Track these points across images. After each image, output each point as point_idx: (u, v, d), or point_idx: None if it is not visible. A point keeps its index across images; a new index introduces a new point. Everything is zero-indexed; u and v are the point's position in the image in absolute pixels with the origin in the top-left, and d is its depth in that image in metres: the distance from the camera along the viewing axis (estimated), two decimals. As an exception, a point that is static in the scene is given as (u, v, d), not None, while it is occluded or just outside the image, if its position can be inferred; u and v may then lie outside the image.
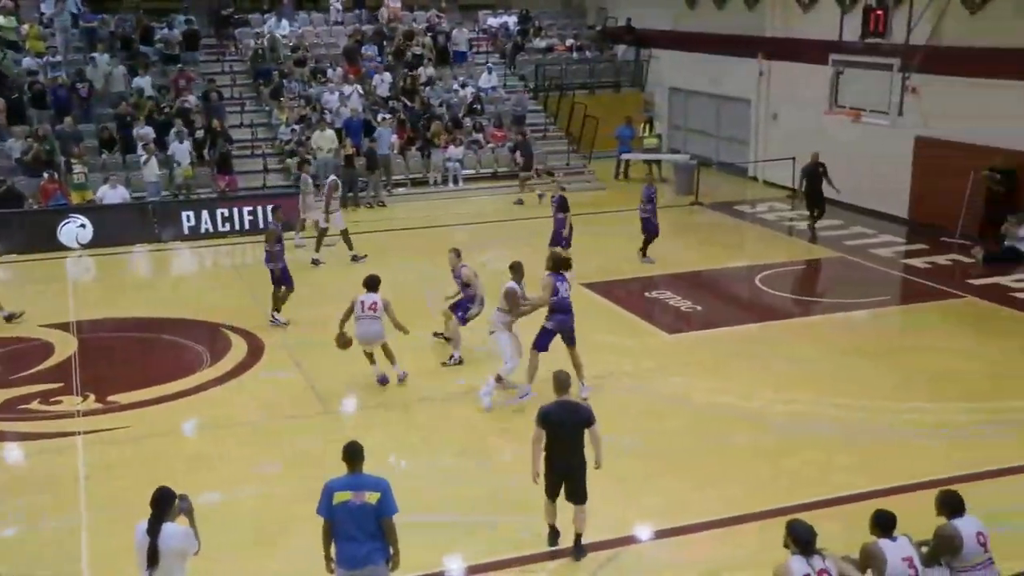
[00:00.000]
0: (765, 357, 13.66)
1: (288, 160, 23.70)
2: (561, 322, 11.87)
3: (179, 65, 25.93)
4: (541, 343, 11.95)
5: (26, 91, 23.44)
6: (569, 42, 31.13)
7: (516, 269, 12.14)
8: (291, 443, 11.14)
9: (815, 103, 22.51)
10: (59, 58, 25.19)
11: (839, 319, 15.50)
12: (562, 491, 8.57)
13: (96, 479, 10.32)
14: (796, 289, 17.46)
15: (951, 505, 7.06)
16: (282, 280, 15.09)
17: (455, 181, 24.78)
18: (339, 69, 26.85)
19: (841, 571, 6.44)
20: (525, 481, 8.58)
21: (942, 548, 6.98)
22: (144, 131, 22.68)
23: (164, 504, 6.56)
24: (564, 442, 8.36)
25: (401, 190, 24.29)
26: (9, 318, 15.27)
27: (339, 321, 12.54)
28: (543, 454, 8.42)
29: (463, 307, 13.37)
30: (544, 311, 11.92)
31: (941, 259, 18.49)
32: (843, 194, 20.25)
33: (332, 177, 19.59)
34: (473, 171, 25.23)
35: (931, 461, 10.35)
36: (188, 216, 20.78)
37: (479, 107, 27.15)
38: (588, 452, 8.48)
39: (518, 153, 25.17)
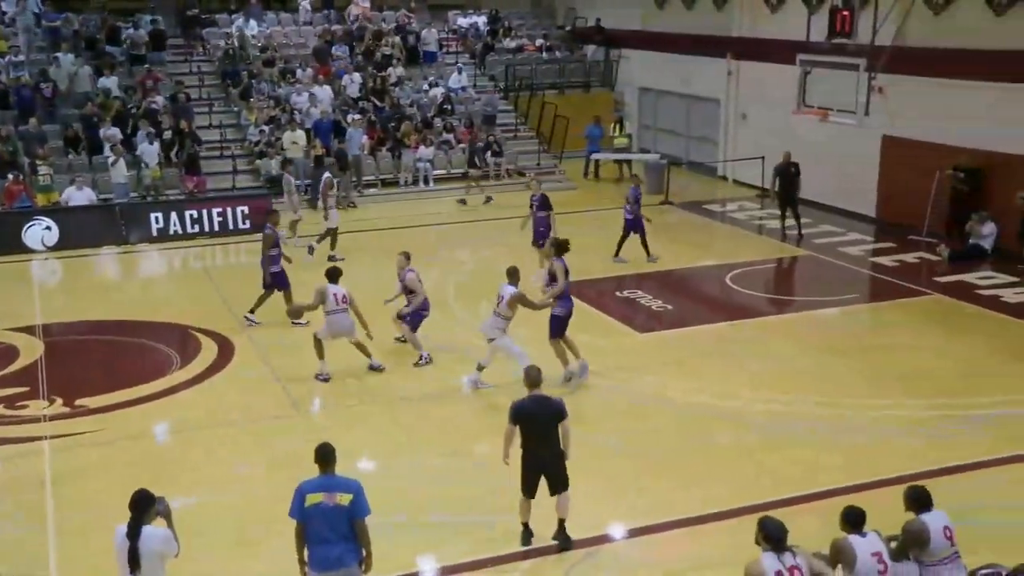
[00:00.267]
0: (737, 355, 13.75)
1: (258, 161, 23.56)
2: (568, 307, 12.49)
3: (146, 65, 25.70)
4: (560, 330, 12.46)
5: (-11, 91, 23.19)
6: (539, 42, 31.18)
7: (513, 274, 12.16)
8: (265, 444, 11.08)
9: (783, 103, 22.69)
10: (22, 58, 24.89)
11: (810, 317, 15.65)
12: (543, 489, 8.63)
13: (65, 484, 10.20)
14: (767, 288, 17.59)
15: (919, 500, 7.15)
16: (277, 284, 15.02)
17: (426, 182, 24.73)
18: (309, 69, 26.73)
19: (812, 567, 6.49)
20: (504, 480, 8.58)
21: (910, 542, 7.06)
22: (111, 132, 22.45)
23: (143, 506, 6.50)
24: (538, 436, 8.48)
25: (372, 191, 24.21)
26: None
27: (307, 305, 12.95)
28: (520, 451, 8.55)
29: (415, 317, 13.31)
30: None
31: (908, 257, 18.71)
32: (812, 193, 20.40)
33: (327, 175, 19.62)
34: (444, 171, 25.19)
35: (901, 457, 10.45)
36: (156, 218, 20.58)
37: (449, 107, 27.12)
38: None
39: (488, 153, 25.23)
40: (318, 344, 12.67)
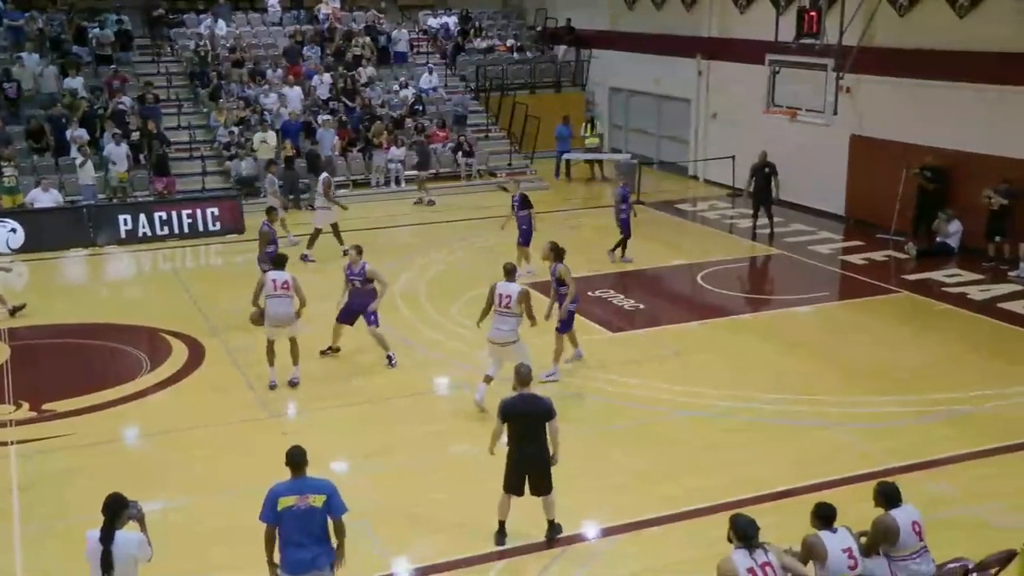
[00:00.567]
0: (709, 354, 13.82)
1: (227, 162, 23.40)
2: (578, 304, 12.88)
3: (112, 66, 25.43)
4: (571, 325, 12.87)
5: (-50, 91, 22.86)
6: (510, 42, 31.21)
7: (512, 272, 11.96)
8: (238, 447, 10.99)
9: (753, 102, 22.85)
10: (-17, 57, 24.59)
11: (780, 316, 15.77)
12: (527, 490, 8.68)
13: (33, 490, 10.06)
14: (738, 287, 17.69)
15: (889, 496, 7.24)
16: None
17: (397, 182, 24.66)
18: (279, 70, 26.57)
19: (784, 563, 6.54)
20: (477, 481, 8.57)
21: (880, 538, 7.15)
22: (78, 133, 22.20)
23: (116, 511, 6.46)
24: (526, 434, 8.53)
25: (343, 191, 24.07)
26: (14, 311, 15.38)
27: (252, 298, 12.64)
28: (506, 448, 8.62)
29: (368, 313, 13.02)
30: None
31: (877, 255, 18.90)
32: (782, 192, 20.53)
33: (324, 174, 19.59)
34: (414, 172, 25.10)
35: (872, 453, 10.55)
36: (125, 220, 20.38)
37: (421, 108, 27.07)
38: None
39: (459, 153, 25.23)
40: (270, 349, 12.41)
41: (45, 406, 12.09)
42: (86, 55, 25.83)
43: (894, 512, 7.16)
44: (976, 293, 16.33)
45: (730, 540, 6.54)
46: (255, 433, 11.33)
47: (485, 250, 19.31)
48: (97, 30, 26.37)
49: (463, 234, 20.74)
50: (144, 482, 9.89)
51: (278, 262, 12.64)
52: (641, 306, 16.07)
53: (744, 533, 6.45)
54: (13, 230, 19.57)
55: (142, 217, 20.48)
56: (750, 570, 6.31)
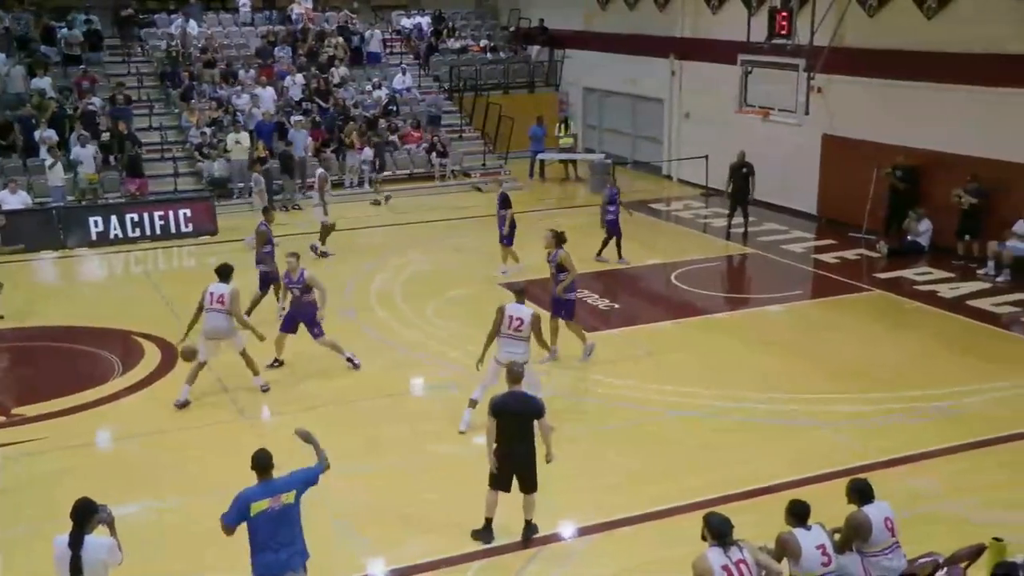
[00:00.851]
0: (683, 353, 13.88)
1: (200, 163, 23.23)
2: (575, 291, 13.22)
3: (81, 66, 25.17)
4: (574, 312, 13.35)
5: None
6: (483, 43, 31.20)
7: (522, 293, 11.65)
8: (212, 450, 10.91)
9: (726, 102, 22.96)
10: (-53, 56, 24.26)
11: (754, 314, 15.88)
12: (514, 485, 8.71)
13: (1, 495, 9.93)
14: (712, 286, 17.77)
15: (861, 492, 7.31)
16: (272, 281, 14.88)
17: (370, 183, 24.59)
18: (251, 71, 26.42)
19: (758, 561, 6.58)
20: (456, 481, 8.56)
21: (853, 534, 7.22)
22: (47, 134, 21.94)
23: (85, 515, 6.40)
24: (516, 432, 8.56)
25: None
26: None
27: (188, 323, 12.19)
28: (495, 446, 8.62)
29: (313, 324, 12.76)
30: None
31: (849, 254, 19.06)
32: (756, 191, 20.64)
33: (320, 171, 19.56)
34: (389, 173, 25.06)
35: (845, 450, 10.66)
36: (96, 222, 20.18)
37: (394, 108, 27.00)
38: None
39: (433, 154, 25.19)
40: (198, 363, 11.93)
41: (14, 411, 11.96)
42: (54, 55, 25.55)
43: (867, 508, 7.23)
44: (946, 291, 16.50)
45: (704, 539, 6.57)
46: (236, 435, 11.23)
47: (460, 250, 19.32)
48: (65, 30, 26.09)
49: (442, 234, 20.75)
50: (114, 486, 9.82)
51: (221, 273, 12.03)
52: (616, 306, 16.12)
53: (719, 531, 6.49)
54: (-20, 232, 19.32)
55: (113, 219, 20.29)
56: (725, 567, 6.35)
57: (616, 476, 10.25)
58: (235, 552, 7.06)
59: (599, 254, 18.30)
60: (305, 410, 11.90)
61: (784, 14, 19.88)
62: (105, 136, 22.46)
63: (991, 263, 17.18)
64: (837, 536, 7.22)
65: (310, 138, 24.29)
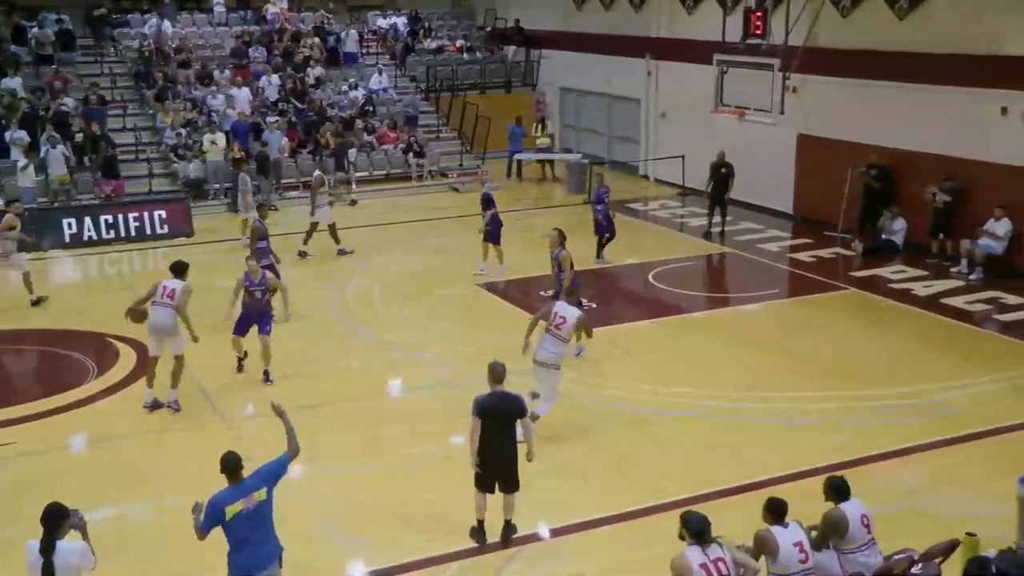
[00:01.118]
0: (661, 352, 13.92)
1: (175, 164, 23.07)
2: (578, 287, 13.13)
3: (53, 66, 24.92)
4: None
5: None
6: (459, 43, 31.16)
7: (574, 293, 12.01)
8: (189, 453, 10.80)
9: (702, 102, 23.06)
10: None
11: (731, 313, 15.97)
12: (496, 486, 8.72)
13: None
14: (689, 285, 17.82)
15: (838, 490, 7.38)
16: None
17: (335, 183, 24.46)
18: (226, 71, 26.26)
19: (736, 558, 6.62)
20: (436, 482, 8.55)
21: (830, 531, 7.28)
22: (18, 135, 21.71)
23: (56, 520, 6.35)
24: (498, 432, 8.57)
25: (293, 193, 23.86)
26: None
27: (141, 299, 12.07)
28: (478, 446, 8.62)
29: (267, 323, 12.63)
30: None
31: (825, 253, 19.19)
32: (731, 191, 20.75)
33: (317, 172, 19.47)
34: (366, 173, 24.99)
35: (823, 448, 10.71)
36: (69, 223, 20.00)
37: (371, 109, 26.92)
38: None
39: (410, 154, 25.14)
40: (151, 365, 11.84)
41: (-11, 414, 11.85)
42: (25, 55, 25.28)
43: (843, 506, 7.30)
44: (920, 289, 16.65)
45: (682, 538, 6.60)
46: (207, 438, 11.11)
47: (444, 251, 19.31)
48: (36, 29, 25.82)
49: (423, 234, 20.75)
50: (89, 490, 9.75)
51: (176, 269, 11.85)
52: (593, 305, 16.11)
53: (697, 529, 6.51)
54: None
55: (87, 220, 20.11)
56: (703, 566, 6.37)
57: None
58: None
59: (598, 255, 18.29)
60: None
61: (758, 14, 20.02)
62: (79, 137, 22.25)
63: (964, 261, 17.36)
64: (814, 533, 7.28)
65: (285, 139, 24.16)
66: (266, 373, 12.65)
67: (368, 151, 25.35)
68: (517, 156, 26.99)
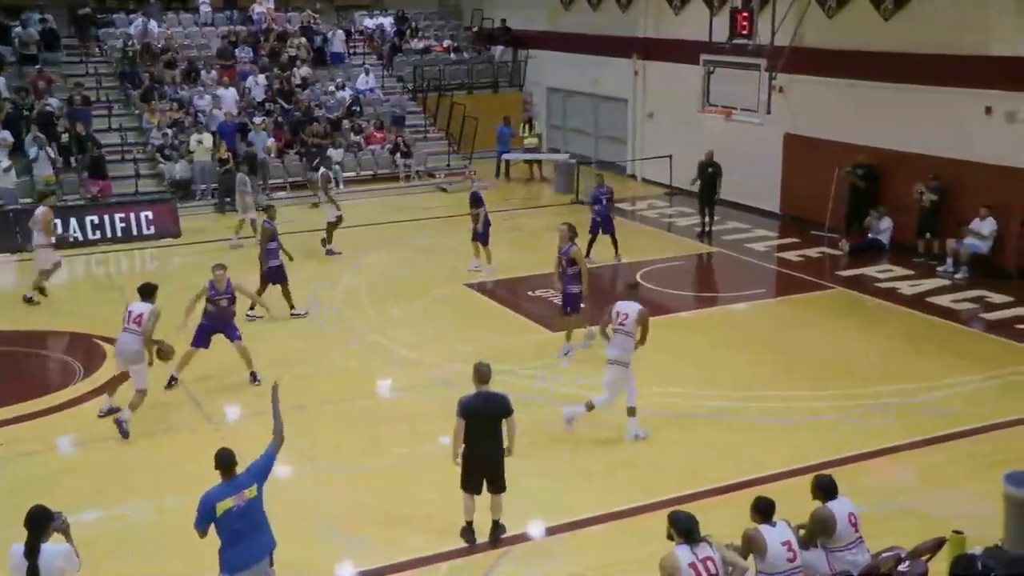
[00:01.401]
0: (649, 352, 13.81)
1: (161, 165, 22.97)
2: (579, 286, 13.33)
3: (37, 66, 24.77)
4: (578, 308, 13.60)
5: None
6: (446, 43, 31.15)
7: (636, 287, 12.31)
8: (176, 454, 10.79)
9: (689, 102, 23.10)
10: None
11: (719, 312, 16.00)
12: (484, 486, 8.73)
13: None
14: (677, 284, 17.84)
15: (826, 489, 7.40)
16: (273, 278, 14.80)
17: (336, 183, 24.41)
18: (212, 71, 26.17)
19: (725, 557, 6.63)
20: (425, 483, 8.53)
21: (818, 530, 7.30)
22: (2, 135, 21.55)
23: (40, 523, 6.32)
24: (484, 432, 8.59)
25: (281, 194, 23.80)
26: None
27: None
28: (463, 445, 8.62)
29: (234, 329, 12.51)
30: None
31: (812, 252, 19.26)
32: (719, 191, 20.79)
33: (323, 170, 19.51)
34: (353, 173, 24.95)
35: (811, 447, 10.73)
36: (55, 224, 19.78)
37: (358, 109, 26.87)
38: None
39: (397, 154, 25.10)
40: (119, 379, 11.63)
41: (-26, 417, 11.77)
42: (9, 55, 25.12)
43: (831, 504, 7.32)
44: (907, 288, 16.72)
45: (671, 537, 6.61)
46: (195, 440, 11.10)
47: (434, 250, 19.28)
48: (20, 29, 25.66)
49: (412, 235, 20.74)
50: (74, 493, 9.71)
51: (143, 292, 11.42)
52: (581, 305, 16.11)
53: (685, 529, 6.52)
54: (-64, 235, 18.98)
55: (73, 221, 20.02)
56: (691, 565, 6.38)
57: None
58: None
59: (587, 253, 18.31)
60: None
61: (745, 14, 20.05)
62: (64, 138, 22.12)
63: (949, 260, 17.46)
64: (802, 532, 7.31)
65: (271, 139, 24.09)
66: (252, 375, 12.59)
67: (355, 151, 25.30)
68: (505, 156, 27.00)
